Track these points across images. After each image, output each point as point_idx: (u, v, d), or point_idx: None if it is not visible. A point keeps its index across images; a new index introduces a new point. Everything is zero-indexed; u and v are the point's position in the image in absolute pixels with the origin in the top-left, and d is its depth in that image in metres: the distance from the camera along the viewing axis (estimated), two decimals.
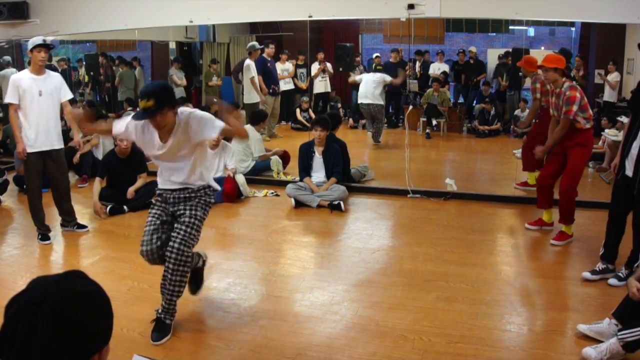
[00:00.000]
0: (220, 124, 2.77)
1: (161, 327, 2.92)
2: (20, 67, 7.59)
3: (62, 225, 4.72)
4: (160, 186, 3.00)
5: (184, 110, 2.81)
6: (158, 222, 2.97)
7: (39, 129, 4.27)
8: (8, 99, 4.18)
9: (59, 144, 4.43)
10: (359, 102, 8.25)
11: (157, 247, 2.91)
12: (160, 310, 2.96)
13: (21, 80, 4.19)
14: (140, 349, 2.75)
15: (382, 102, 8.09)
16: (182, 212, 2.92)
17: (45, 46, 4.22)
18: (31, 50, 4.19)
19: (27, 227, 4.77)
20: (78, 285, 1.05)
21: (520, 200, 5.46)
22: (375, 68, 8.49)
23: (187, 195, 2.93)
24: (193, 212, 2.91)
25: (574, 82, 4.33)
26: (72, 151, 5.97)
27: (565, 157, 4.23)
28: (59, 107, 4.42)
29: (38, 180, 4.43)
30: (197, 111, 2.86)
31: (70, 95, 4.54)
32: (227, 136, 2.91)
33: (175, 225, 2.90)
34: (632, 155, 3.45)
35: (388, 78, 7.98)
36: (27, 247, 4.42)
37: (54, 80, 4.36)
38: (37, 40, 4.21)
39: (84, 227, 4.75)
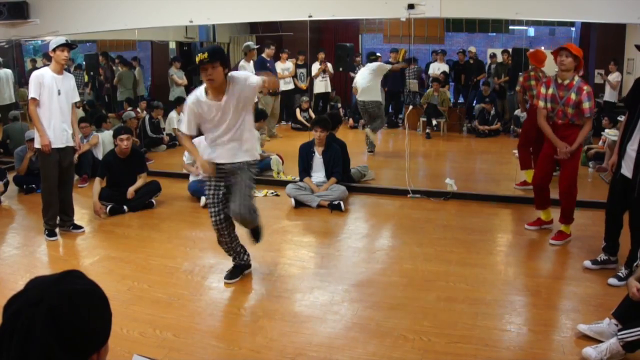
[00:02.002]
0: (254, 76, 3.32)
1: (256, 232, 3.64)
2: (20, 67, 7.61)
3: (59, 225, 4.72)
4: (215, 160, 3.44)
5: (232, 73, 3.31)
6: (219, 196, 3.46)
7: (56, 127, 4.38)
8: (32, 93, 4.27)
9: (71, 142, 4.56)
10: (357, 99, 7.66)
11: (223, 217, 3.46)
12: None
13: (43, 76, 4.28)
14: (140, 349, 2.75)
15: (379, 99, 7.44)
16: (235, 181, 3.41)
17: (68, 45, 4.33)
18: (53, 50, 4.28)
19: (27, 227, 4.77)
20: (76, 285, 1.05)
21: (520, 200, 5.46)
22: (369, 59, 7.82)
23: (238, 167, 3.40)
24: (245, 179, 3.39)
25: None
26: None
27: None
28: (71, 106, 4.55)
29: (55, 176, 4.48)
30: (235, 72, 3.39)
31: (78, 98, 4.70)
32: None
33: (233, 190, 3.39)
34: (628, 155, 3.45)
35: (387, 66, 7.51)
36: (27, 247, 4.42)
37: (70, 80, 4.50)
38: (61, 40, 4.32)
39: (79, 227, 4.75)
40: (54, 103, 4.33)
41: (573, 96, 3.94)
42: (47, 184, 4.49)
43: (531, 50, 5.88)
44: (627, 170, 3.47)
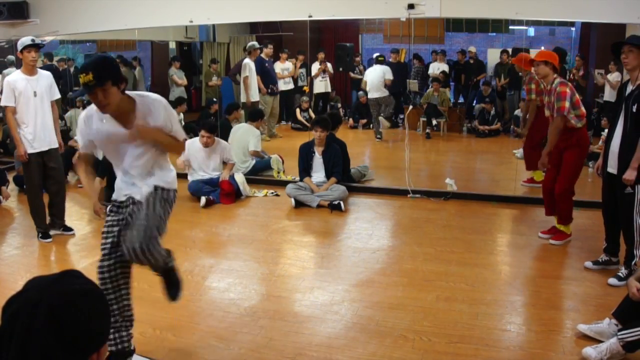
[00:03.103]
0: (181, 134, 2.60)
1: (172, 282, 2.68)
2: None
3: (49, 225, 4.69)
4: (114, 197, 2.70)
5: (148, 94, 2.50)
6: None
7: (37, 129, 4.30)
8: (5, 101, 4.19)
9: (55, 143, 4.47)
10: (369, 97, 8.63)
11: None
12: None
13: (16, 82, 4.20)
14: (140, 349, 2.74)
15: (388, 93, 8.50)
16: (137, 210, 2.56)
17: (34, 46, 4.22)
18: (21, 52, 4.20)
19: (27, 227, 4.77)
20: (75, 285, 1.05)
21: (520, 200, 5.46)
22: (377, 60, 8.70)
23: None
24: (150, 208, 2.55)
25: (566, 79, 4.29)
26: (72, 151, 5.97)
27: (561, 159, 4.16)
28: (50, 106, 4.43)
29: (39, 180, 4.44)
30: (165, 102, 2.53)
31: (58, 96, 4.57)
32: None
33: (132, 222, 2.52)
34: (612, 152, 3.47)
35: (388, 75, 8.40)
36: (27, 247, 4.42)
37: (46, 79, 4.39)
38: (26, 40, 4.21)
39: (69, 229, 4.67)
40: (31, 106, 4.24)
41: (552, 99, 4.02)
42: (31, 189, 4.47)
43: (516, 57, 5.91)
44: (610, 167, 3.51)
